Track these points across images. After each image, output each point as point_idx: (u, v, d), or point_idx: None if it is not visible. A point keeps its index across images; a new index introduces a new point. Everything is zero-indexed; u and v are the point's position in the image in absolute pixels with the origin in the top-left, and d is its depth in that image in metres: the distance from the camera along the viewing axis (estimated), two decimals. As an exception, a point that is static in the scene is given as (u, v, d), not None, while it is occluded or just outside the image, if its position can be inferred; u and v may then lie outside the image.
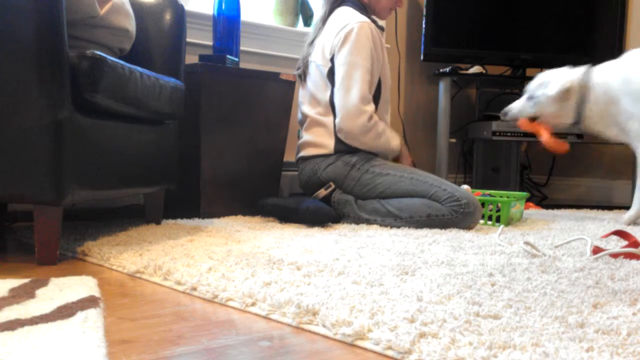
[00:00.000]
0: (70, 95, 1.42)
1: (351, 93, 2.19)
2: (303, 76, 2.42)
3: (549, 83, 2.39)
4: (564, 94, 2.37)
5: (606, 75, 2.38)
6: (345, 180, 2.24)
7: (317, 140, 2.32)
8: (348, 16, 2.28)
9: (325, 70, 2.29)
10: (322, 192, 2.27)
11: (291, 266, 1.32)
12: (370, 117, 2.21)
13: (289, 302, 1.02)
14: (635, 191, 2.40)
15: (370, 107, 2.23)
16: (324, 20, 2.38)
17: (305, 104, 2.39)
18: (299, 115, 2.45)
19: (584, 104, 2.38)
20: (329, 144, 2.29)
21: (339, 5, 2.37)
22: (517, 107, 2.48)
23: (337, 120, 2.24)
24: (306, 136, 2.37)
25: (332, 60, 2.27)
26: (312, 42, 2.40)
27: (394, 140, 2.33)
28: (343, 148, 2.27)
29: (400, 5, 2.49)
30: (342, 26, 2.25)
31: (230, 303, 1.10)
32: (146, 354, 0.82)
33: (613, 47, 3.19)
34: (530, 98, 2.45)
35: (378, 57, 2.28)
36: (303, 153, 2.37)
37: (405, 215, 2.10)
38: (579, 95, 2.38)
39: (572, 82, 2.38)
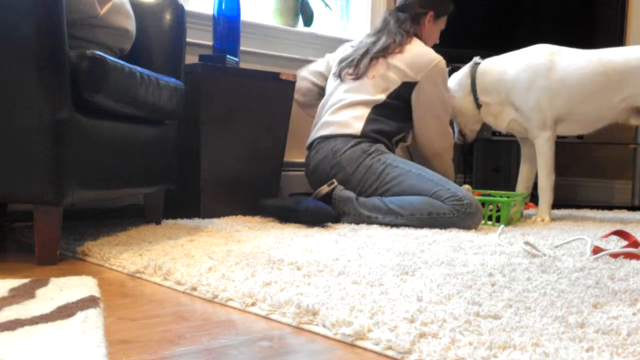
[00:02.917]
0: (70, 95, 1.42)
1: (443, 120, 2.46)
2: (340, 75, 2.48)
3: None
4: (456, 91, 2.59)
5: (503, 65, 2.53)
6: (359, 167, 2.26)
7: (345, 120, 2.36)
8: (431, 50, 2.46)
9: (401, 81, 2.38)
10: (325, 189, 2.27)
11: (291, 266, 1.32)
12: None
13: (289, 302, 1.02)
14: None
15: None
16: (401, 43, 2.45)
17: (347, 91, 2.43)
18: (331, 100, 2.47)
19: (475, 93, 2.56)
20: (358, 125, 2.34)
21: (413, 35, 2.49)
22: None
23: (432, 141, 2.46)
24: (332, 117, 2.40)
25: (413, 79, 2.38)
26: (374, 43, 2.47)
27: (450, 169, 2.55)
28: (370, 132, 2.33)
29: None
30: (432, 57, 2.41)
31: (230, 303, 1.10)
32: (146, 354, 0.82)
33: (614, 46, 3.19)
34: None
35: None
36: (324, 132, 2.39)
37: (406, 213, 2.10)
38: (470, 87, 2.57)
39: (459, 77, 2.60)
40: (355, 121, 2.34)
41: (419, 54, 2.41)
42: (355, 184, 2.27)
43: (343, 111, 2.39)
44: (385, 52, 2.43)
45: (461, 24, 3.33)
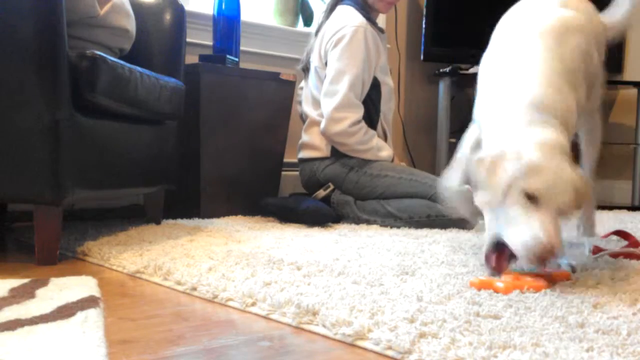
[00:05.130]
0: (70, 95, 1.42)
1: (333, 99, 2.20)
2: (306, 71, 2.42)
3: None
4: None
5: None
6: (344, 182, 2.24)
7: (313, 142, 2.33)
8: (345, 18, 2.27)
9: (323, 74, 2.30)
10: (321, 193, 2.27)
11: (291, 266, 1.32)
12: (354, 123, 2.20)
13: (289, 302, 1.02)
14: None
15: (354, 113, 2.20)
16: (328, 14, 2.37)
17: (307, 104, 2.39)
18: (301, 113, 2.46)
19: None
20: (325, 146, 2.29)
21: (341, 1, 2.35)
22: None
23: (321, 124, 2.25)
24: (305, 137, 2.37)
25: (326, 64, 2.28)
26: (317, 33, 2.40)
27: (384, 151, 2.28)
28: (340, 151, 2.28)
29: None
30: (337, 30, 2.24)
31: (230, 303, 1.10)
32: (146, 354, 0.82)
33: (613, 48, 3.19)
34: None
35: (371, 61, 2.25)
36: (301, 155, 2.38)
37: (404, 216, 2.10)
38: None
39: None
40: (322, 142, 2.29)
41: (325, 31, 2.31)
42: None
43: (311, 129, 2.35)
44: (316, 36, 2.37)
45: (460, 24, 3.33)
